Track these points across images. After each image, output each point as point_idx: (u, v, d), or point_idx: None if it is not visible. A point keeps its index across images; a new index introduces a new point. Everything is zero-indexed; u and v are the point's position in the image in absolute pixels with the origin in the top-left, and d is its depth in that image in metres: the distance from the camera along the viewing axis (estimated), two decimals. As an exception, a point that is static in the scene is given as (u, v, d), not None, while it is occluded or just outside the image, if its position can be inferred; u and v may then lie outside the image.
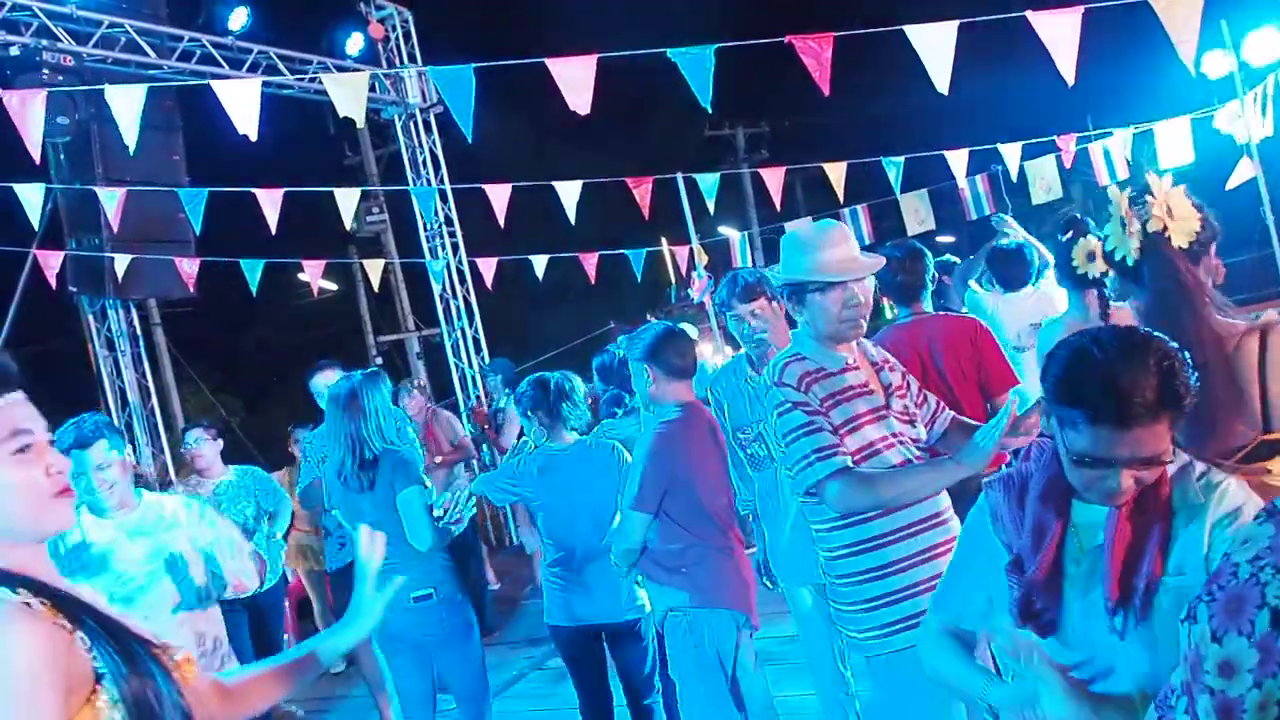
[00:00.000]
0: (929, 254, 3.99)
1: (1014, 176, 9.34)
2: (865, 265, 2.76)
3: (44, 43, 8.04)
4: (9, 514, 1.40)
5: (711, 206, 8.72)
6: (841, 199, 9.22)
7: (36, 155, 5.48)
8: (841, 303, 2.70)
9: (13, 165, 7.43)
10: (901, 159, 9.14)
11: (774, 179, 8.95)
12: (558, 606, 3.90)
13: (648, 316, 16.41)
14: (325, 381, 4.93)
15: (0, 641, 1.27)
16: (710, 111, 5.45)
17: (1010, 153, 8.95)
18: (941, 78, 5.01)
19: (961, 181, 9.54)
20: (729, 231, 14.64)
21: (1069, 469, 1.63)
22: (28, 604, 1.32)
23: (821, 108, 20.27)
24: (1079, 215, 4.99)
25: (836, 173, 8.70)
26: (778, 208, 9.31)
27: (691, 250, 9.77)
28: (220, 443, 5.40)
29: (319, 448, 4.73)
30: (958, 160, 8.70)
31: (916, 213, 10.25)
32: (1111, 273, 2.34)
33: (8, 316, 9.28)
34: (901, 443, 2.75)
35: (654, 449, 3.39)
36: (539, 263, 10.19)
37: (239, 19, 9.61)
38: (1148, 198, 2.20)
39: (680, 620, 3.42)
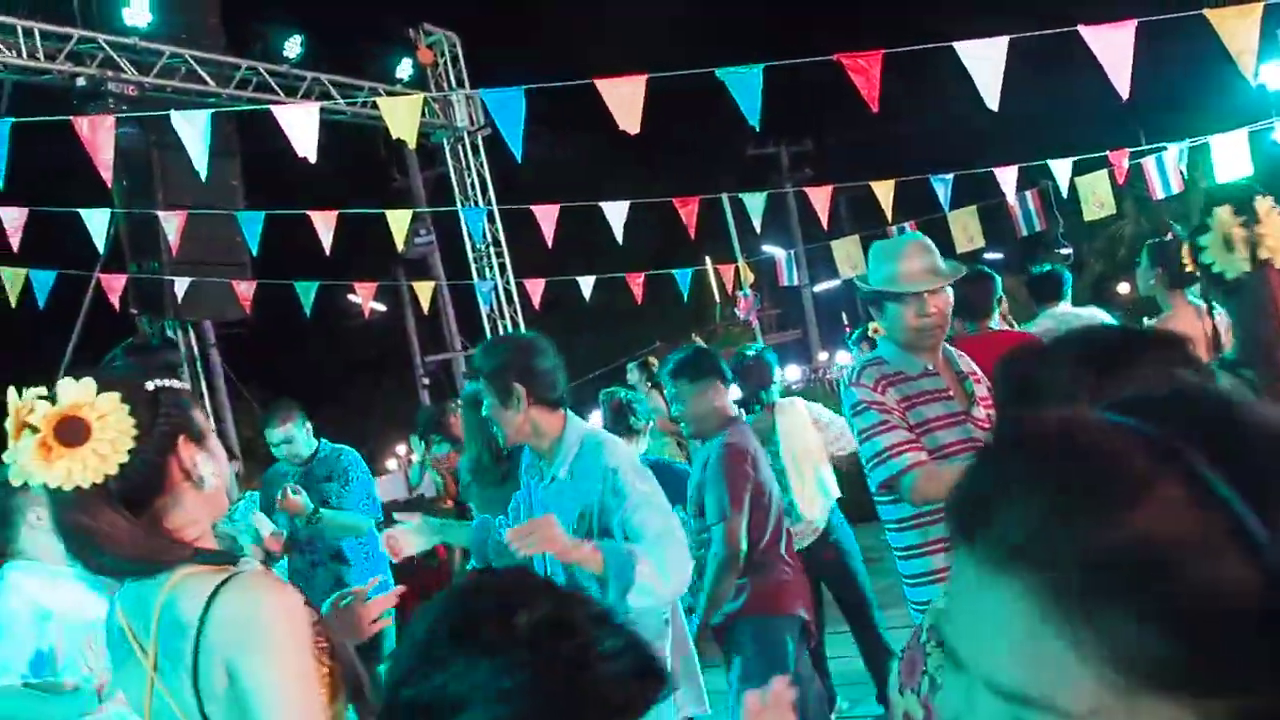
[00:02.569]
0: (997, 277, 4.16)
1: (1064, 192, 9.25)
2: (941, 278, 2.87)
3: (109, 73, 8.29)
4: (216, 486, 1.48)
5: (758, 225, 8.73)
6: (890, 217, 9.21)
7: (108, 178, 5.65)
8: (915, 312, 2.82)
9: (76, 192, 7.67)
10: (950, 176, 9.10)
11: (820, 197, 8.95)
12: None
13: (693, 336, 16.43)
14: (283, 433, 4.50)
15: (261, 601, 1.38)
16: (758, 130, 5.48)
17: (1061, 168, 8.87)
18: (992, 94, 5.00)
19: (1011, 198, 9.47)
20: (774, 250, 14.64)
21: None
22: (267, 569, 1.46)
23: (868, 125, 20.25)
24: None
25: (884, 190, 8.69)
26: (824, 226, 9.30)
27: (737, 269, 9.80)
28: None
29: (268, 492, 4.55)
30: (1007, 177, 8.65)
31: (966, 230, 10.18)
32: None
33: (73, 336, 9.52)
34: (978, 448, 2.80)
35: (729, 458, 3.51)
36: (586, 283, 10.26)
37: (294, 47, 9.84)
38: (1258, 222, 2.18)
39: (744, 626, 3.48)
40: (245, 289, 8.98)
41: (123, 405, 1.38)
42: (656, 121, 6.01)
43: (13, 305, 8.08)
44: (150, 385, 1.44)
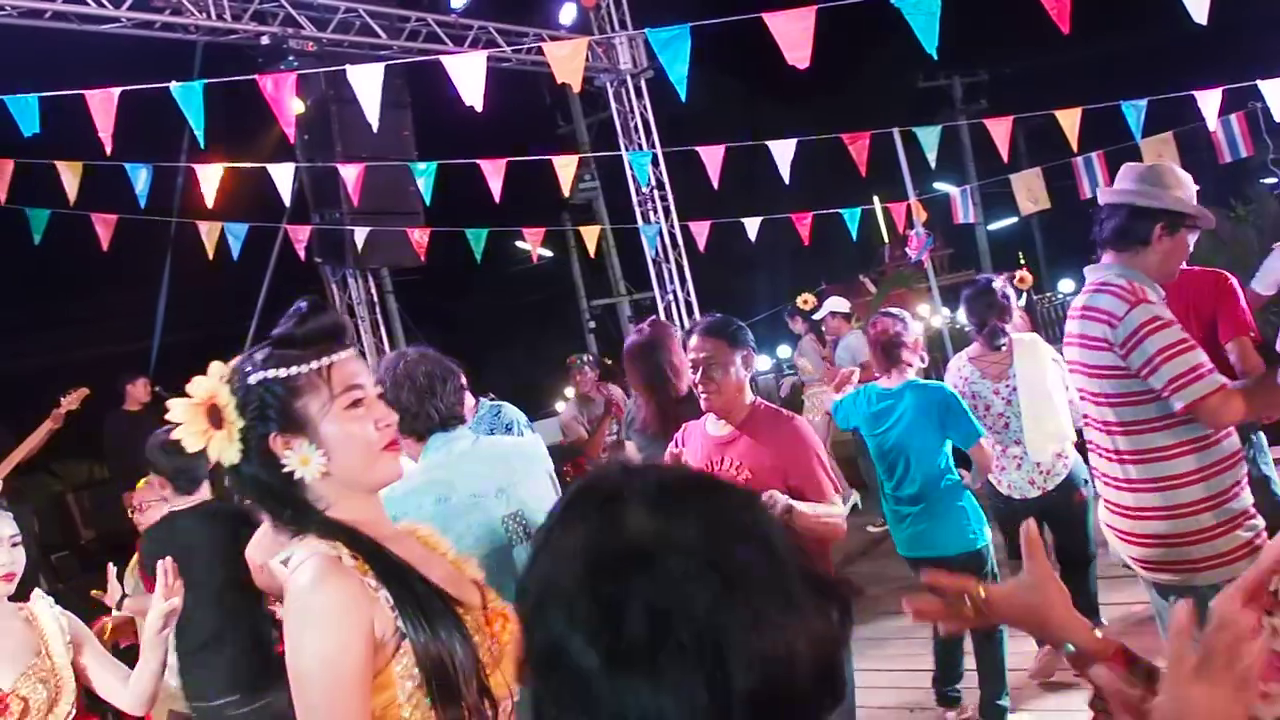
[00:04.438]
0: None
1: (1276, 115, 8.44)
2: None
3: (289, 30, 8.62)
4: (343, 464, 1.50)
5: (933, 160, 8.36)
6: (1075, 147, 8.65)
7: (291, 135, 5.89)
8: (1191, 243, 2.88)
9: (261, 148, 8.06)
10: (1144, 101, 8.45)
11: (1000, 129, 8.48)
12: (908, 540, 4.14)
13: (860, 277, 16.03)
14: None
15: (310, 590, 1.38)
16: (935, 59, 5.20)
17: (1272, 89, 8.09)
18: (1200, 6, 4.57)
19: (1213, 123, 8.73)
20: (947, 187, 14.04)
21: None
22: (339, 557, 1.42)
23: (1051, 49, 19.05)
24: None
25: (1069, 119, 8.15)
26: (1005, 159, 8.81)
27: (909, 207, 9.44)
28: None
29: None
30: (1209, 100, 7.96)
31: (1160, 158, 9.46)
32: None
33: (263, 286, 10.09)
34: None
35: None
36: (751, 225, 10.10)
37: (460, -3, 9.99)
38: None
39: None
40: (419, 237, 9.27)
41: (231, 397, 1.48)
42: (822, 56, 5.81)
43: (210, 258, 8.61)
44: (253, 378, 1.49)
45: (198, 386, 1.49)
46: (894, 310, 4.37)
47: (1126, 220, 2.84)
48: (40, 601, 2.55)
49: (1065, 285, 18.24)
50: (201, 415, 1.48)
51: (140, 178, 7.06)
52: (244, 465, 1.50)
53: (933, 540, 3.98)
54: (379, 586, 1.41)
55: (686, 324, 11.63)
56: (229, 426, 1.47)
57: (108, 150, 5.93)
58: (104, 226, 7.70)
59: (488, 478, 2.59)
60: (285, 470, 1.48)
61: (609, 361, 7.84)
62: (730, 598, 0.76)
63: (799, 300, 9.64)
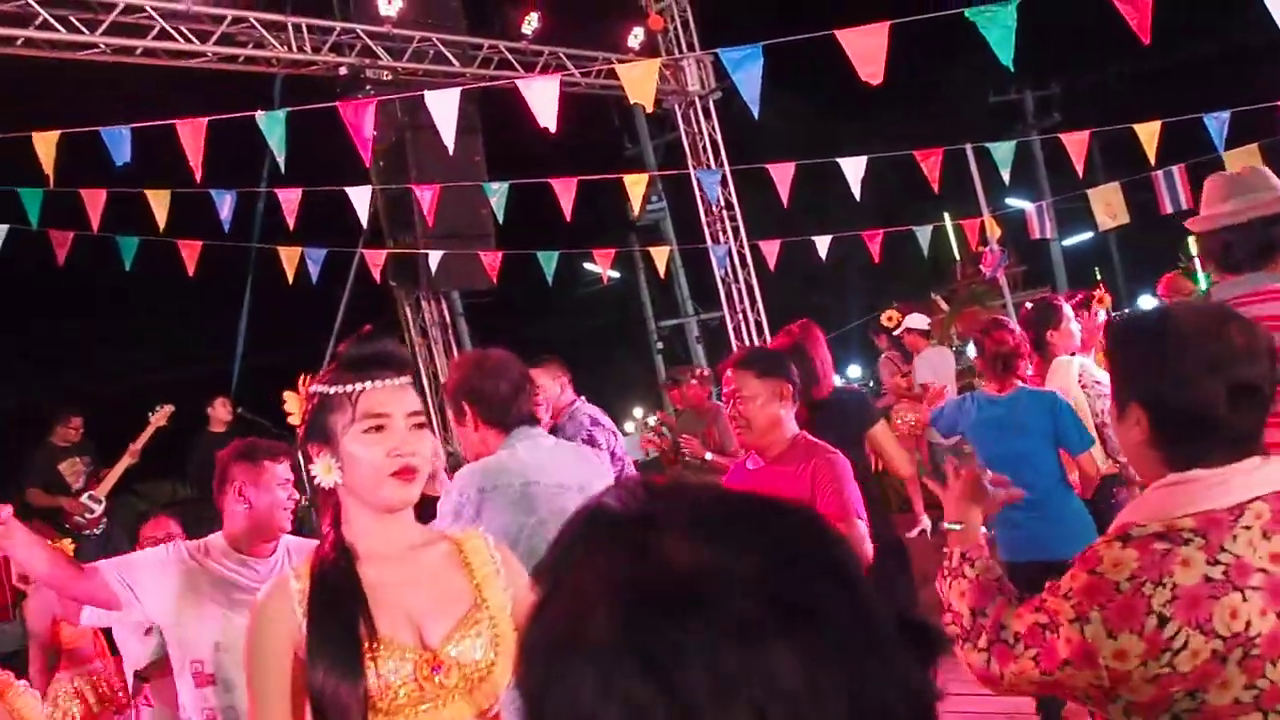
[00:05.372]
0: None
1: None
2: None
3: (366, 61, 8.84)
4: (353, 481, 1.68)
5: (1006, 176, 8.25)
6: (1153, 161, 8.47)
7: (368, 160, 6.04)
8: None
9: (337, 175, 8.25)
10: (1226, 113, 8.24)
11: (1076, 143, 8.35)
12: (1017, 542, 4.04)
13: (932, 295, 15.81)
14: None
15: (258, 600, 1.67)
16: (1013, 72, 5.15)
17: (1364, 96, 7.84)
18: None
19: (1301, 133, 8.48)
20: (1020, 203, 13.82)
21: None
22: (288, 579, 1.66)
23: (1121, 61, 18.70)
24: None
25: (1148, 132, 8.00)
26: (1080, 173, 8.67)
27: (982, 223, 9.30)
28: None
29: None
30: (1297, 109, 7.74)
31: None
32: None
33: (340, 308, 10.31)
34: None
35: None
36: (821, 243, 10.05)
37: (530, 23, 10.14)
38: None
39: None
40: (491, 259, 9.40)
41: (300, 405, 1.74)
42: (892, 71, 5.78)
43: (290, 281, 8.82)
44: (314, 389, 1.72)
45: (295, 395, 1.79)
46: (1002, 319, 4.40)
47: (1260, 232, 2.71)
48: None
49: (1145, 302, 17.82)
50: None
51: (225, 204, 7.28)
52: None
53: (1045, 543, 3.89)
54: (303, 614, 1.60)
55: (757, 343, 11.60)
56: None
57: (197, 178, 6.13)
58: (189, 252, 7.95)
59: (571, 473, 2.74)
60: (313, 476, 1.70)
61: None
62: (811, 651, 0.58)
63: (883, 317, 9.61)
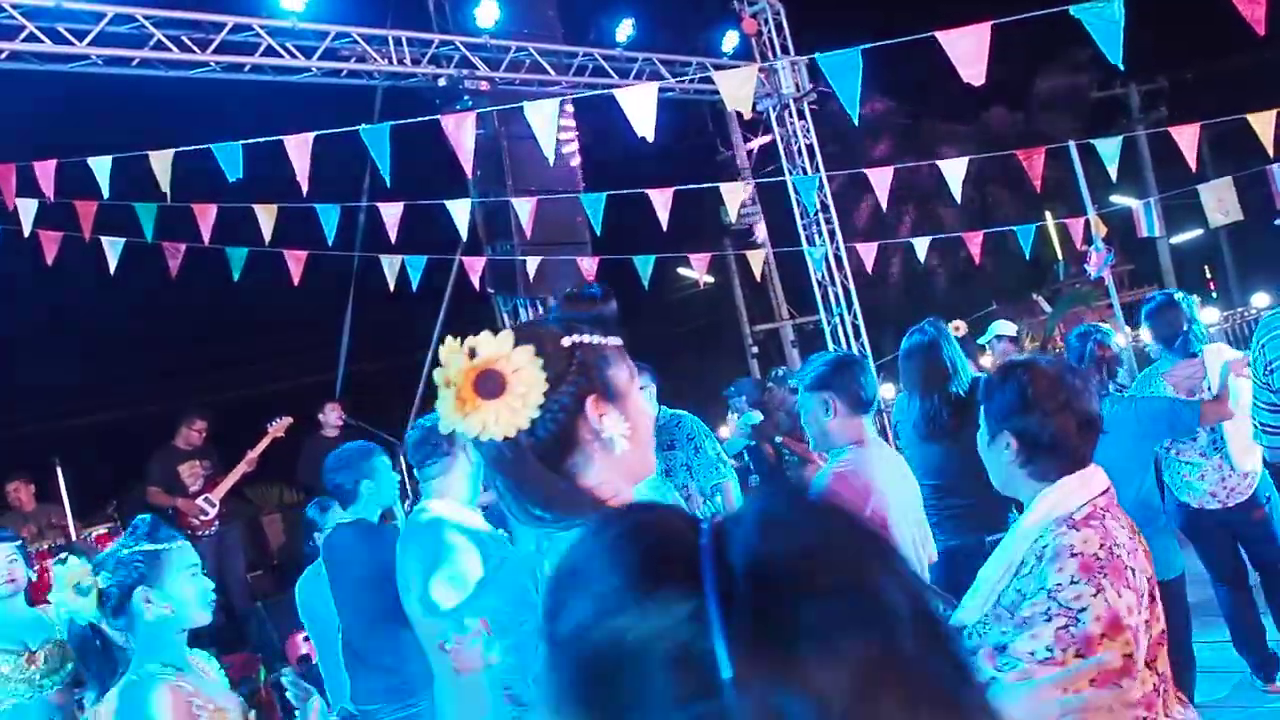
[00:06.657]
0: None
1: None
2: None
3: (465, 72, 9.03)
4: (638, 444, 1.43)
5: (1114, 173, 8.00)
6: (1271, 152, 8.12)
7: (469, 169, 6.17)
8: None
9: (435, 183, 8.44)
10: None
11: (1186, 138, 8.04)
12: None
13: (1034, 296, 15.44)
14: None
15: None
16: (1121, 69, 5.00)
17: None
18: None
19: None
20: (1125, 200, 13.37)
21: None
22: None
23: (1230, 52, 17.94)
24: None
25: (1263, 123, 7.67)
26: (1192, 168, 8.35)
27: (1087, 222, 9.04)
28: None
29: None
30: None
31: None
32: None
33: (440, 316, 10.52)
34: None
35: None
36: (920, 245, 9.89)
37: (625, 31, 10.24)
38: None
39: None
40: (588, 265, 9.50)
41: (536, 359, 1.34)
42: (992, 70, 5.67)
43: (391, 289, 9.05)
44: (567, 340, 1.40)
45: (488, 345, 1.35)
46: (1102, 325, 4.36)
47: None
48: None
49: (1260, 299, 17.07)
50: (469, 385, 1.34)
51: (330, 216, 7.51)
52: (523, 434, 1.36)
53: None
54: None
55: (853, 347, 11.47)
56: (526, 391, 1.34)
57: (304, 191, 6.34)
58: (295, 263, 8.21)
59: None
60: (589, 439, 1.39)
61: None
62: (893, 690, 0.56)
63: (951, 327, 9.36)
